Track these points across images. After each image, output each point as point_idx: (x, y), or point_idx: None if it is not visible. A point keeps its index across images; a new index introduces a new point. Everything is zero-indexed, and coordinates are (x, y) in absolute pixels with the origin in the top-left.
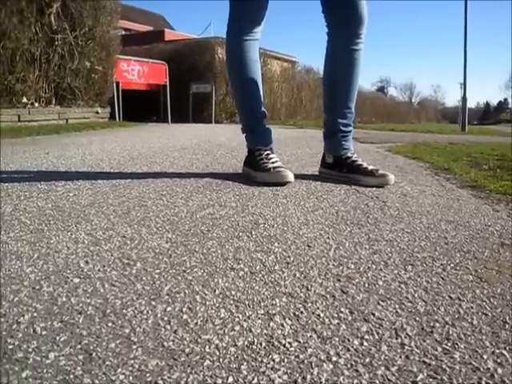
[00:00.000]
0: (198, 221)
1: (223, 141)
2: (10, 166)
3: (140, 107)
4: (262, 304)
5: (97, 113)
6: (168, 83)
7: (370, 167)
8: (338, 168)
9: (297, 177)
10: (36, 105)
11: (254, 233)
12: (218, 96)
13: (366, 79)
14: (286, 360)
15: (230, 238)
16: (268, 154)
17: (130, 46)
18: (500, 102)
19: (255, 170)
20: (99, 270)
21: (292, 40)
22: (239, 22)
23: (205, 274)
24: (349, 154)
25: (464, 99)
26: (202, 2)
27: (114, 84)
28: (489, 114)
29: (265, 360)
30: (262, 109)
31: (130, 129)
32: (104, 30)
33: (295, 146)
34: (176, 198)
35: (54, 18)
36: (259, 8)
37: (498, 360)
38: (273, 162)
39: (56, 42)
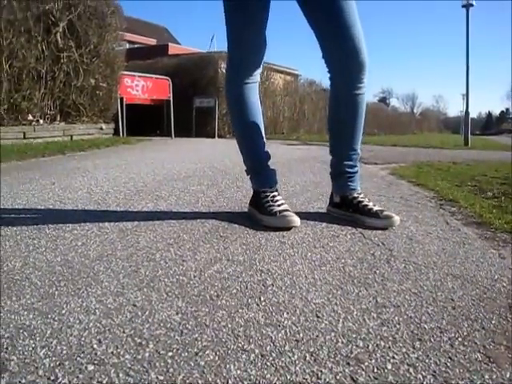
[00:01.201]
0: (206, 282)
1: (227, 165)
2: (17, 201)
3: (144, 121)
4: None
5: (101, 129)
6: (171, 98)
7: (376, 208)
8: (345, 207)
9: (302, 216)
10: (41, 122)
11: (262, 299)
12: (220, 110)
13: (368, 90)
14: None
15: (239, 306)
16: (274, 197)
17: (134, 60)
18: (502, 111)
19: (261, 213)
20: (112, 352)
21: (295, 53)
22: (239, 68)
23: (217, 358)
24: (355, 195)
25: (467, 113)
26: (205, 14)
27: (118, 100)
28: (491, 124)
29: None
30: (266, 150)
31: (133, 147)
32: (109, 47)
33: (299, 171)
34: (184, 250)
35: (61, 37)
36: (258, 52)
37: None
38: (279, 205)
39: (62, 60)
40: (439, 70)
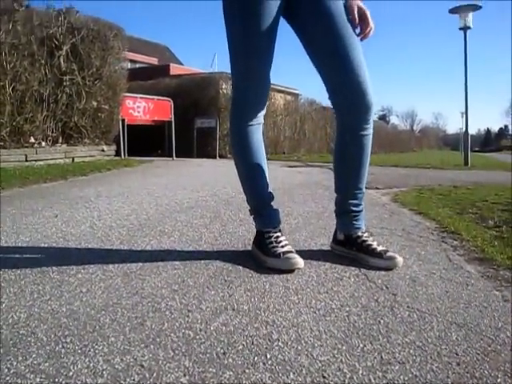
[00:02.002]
0: (212, 337)
1: (229, 193)
2: (20, 237)
3: (145, 141)
4: None
5: (102, 151)
6: (173, 119)
7: (380, 248)
8: (349, 246)
9: (306, 255)
10: (43, 144)
11: (268, 356)
12: (222, 131)
13: None
14: None
15: (246, 365)
16: (277, 237)
17: (136, 80)
18: (501, 128)
19: (265, 254)
20: None
21: (295, 72)
22: (243, 110)
23: None
24: (359, 234)
25: (466, 133)
26: (207, 33)
27: (120, 121)
28: (490, 141)
29: None
30: (269, 190)
31: (135, 170)
32: (111, 69)
33: (301, 200)
34: (189, 298)
35: (64, 60)
36: (263, 90)
37: None
38: (282, 246)
39: (64, 83)
40: (438, 87)
